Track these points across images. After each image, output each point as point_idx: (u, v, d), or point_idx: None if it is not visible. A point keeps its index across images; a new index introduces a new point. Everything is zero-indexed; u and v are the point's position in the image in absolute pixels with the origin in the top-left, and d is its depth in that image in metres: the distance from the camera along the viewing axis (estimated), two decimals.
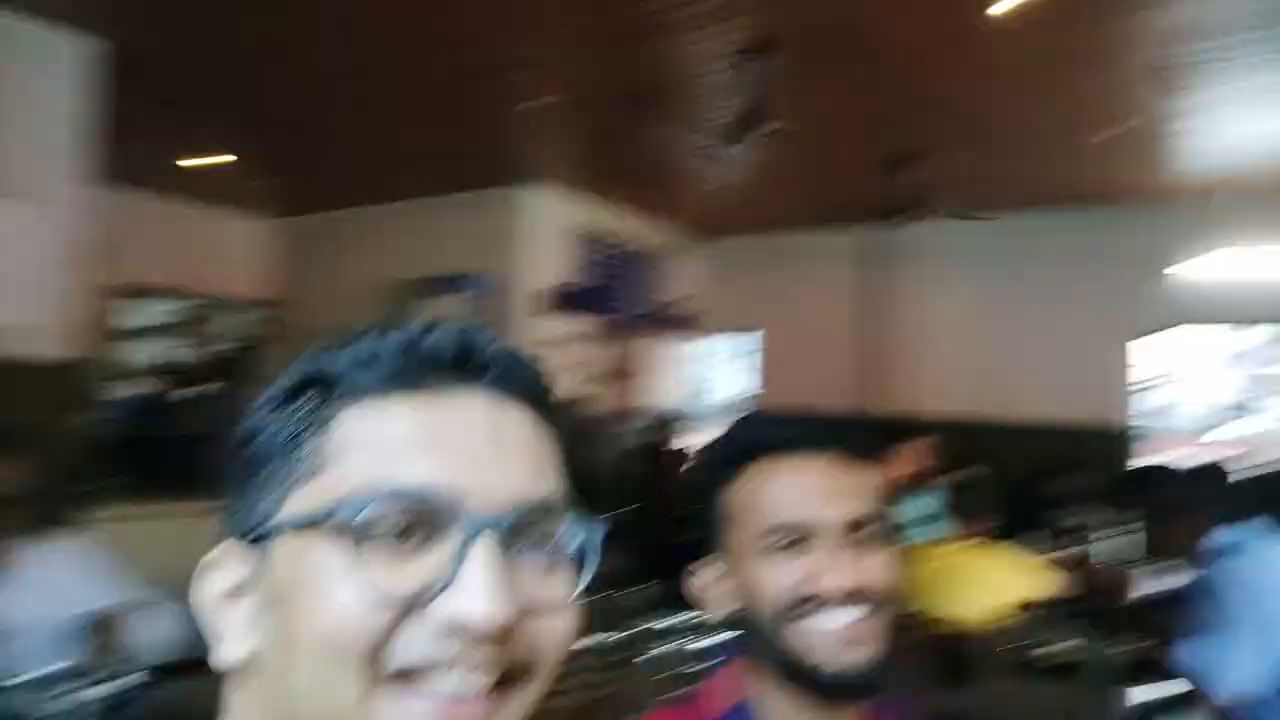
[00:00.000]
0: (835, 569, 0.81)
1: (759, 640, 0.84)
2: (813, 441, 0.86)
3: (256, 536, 0.50)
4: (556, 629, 0.51)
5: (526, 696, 0.50)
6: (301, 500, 0.49)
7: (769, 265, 7.09)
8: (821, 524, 0.82)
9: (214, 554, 0.52)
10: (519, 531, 0.49)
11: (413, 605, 0.46)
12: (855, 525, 0.83)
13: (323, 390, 0.51)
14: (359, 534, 0.46)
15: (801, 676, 0.82)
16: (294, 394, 0.51)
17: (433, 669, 0.46)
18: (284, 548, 0.49)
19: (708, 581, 0.89)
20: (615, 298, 6.46)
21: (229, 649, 0.50)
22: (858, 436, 0.89)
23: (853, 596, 0.81)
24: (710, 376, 7.87)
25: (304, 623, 0.46)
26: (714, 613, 0.88)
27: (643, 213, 6.71)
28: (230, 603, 0.51)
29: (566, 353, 6.06)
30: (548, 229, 6.22)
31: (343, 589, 0.46)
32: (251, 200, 6.82)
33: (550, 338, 5.98)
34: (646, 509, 4.71)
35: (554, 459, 0.54)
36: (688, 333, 7.18)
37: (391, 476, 0.47)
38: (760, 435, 0.88)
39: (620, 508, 4.53)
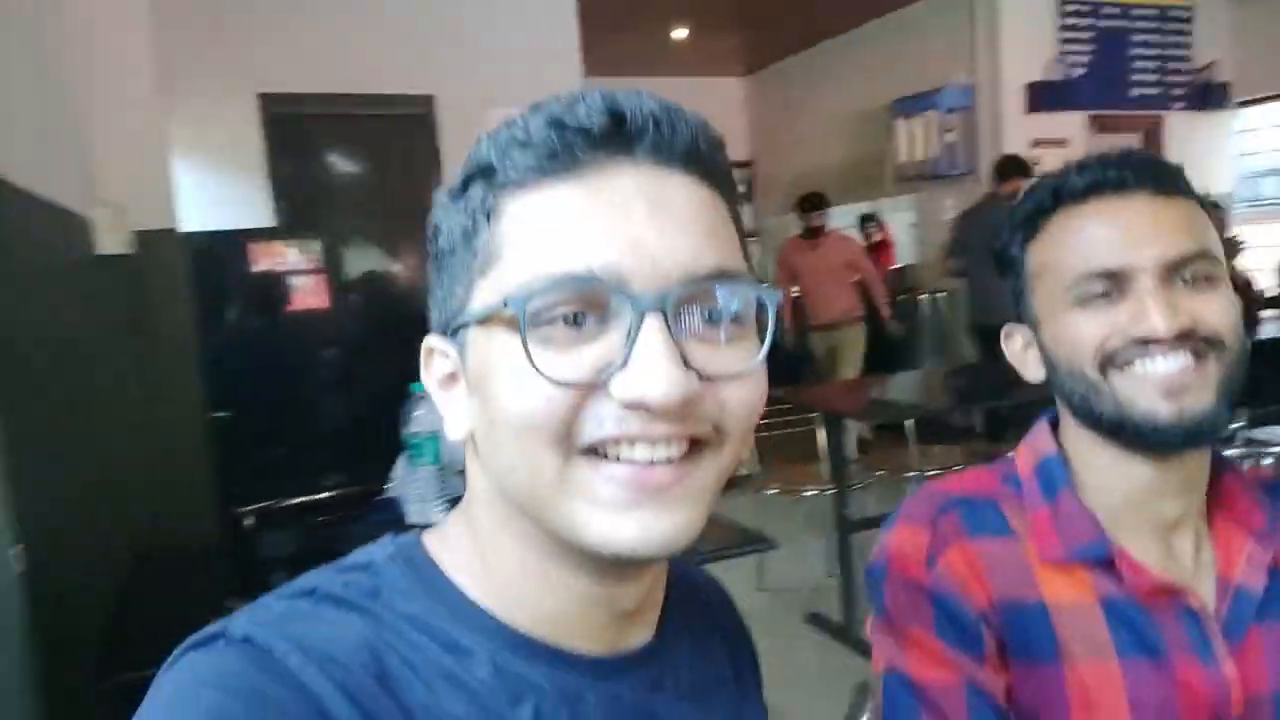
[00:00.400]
0: (1156, 312, 0.73)
1: (1075, 397, 0.80)
2: (1117, 182, 0.77)
3: (454, 328, 0.53)
4: (740, 396, 0.50)
5: (720, 461, 0.51)
6: (483, 292, 0.50)
7: None
8: (1137, 265, 0.75)
9: (427, 343, 0.56)
10: (690, 304, 0.49)
11: (592, 387, 0.47)
12: (1177, 264, 0.75)
13: (486, 180, 0.51)
14: (531, 323, 0.47)
15: (1124, 430, 0.76)
16: (464, 187, 0.52)
17: (621, 442, 0.48)
18: (473, 339, 0.51)
19: (1020, 344, 0.86)
20: (1117, 78, 5.56)
21: (453, 427, 0.55)
22: (1170, 170, 0.78)
23: (1179, 341, 0.73)
24: (1258, 155, 6.42)
25: (497, 409, 0.49)
26: (1030, 375, 0.85)
27: None
28: (448, 387, 0.55)
29: (1063, 154, 5.44)
30: (1025, 10, 5.52)
31: (523, 378, 0.47)
32: (722, 63, 7.19)
33: (1044, 139, 5.41)
34: None
35: (726, 224, 0.52)
36: (1220, 105, 5.92)
37: (553, 264, 0.47)
38: (1058, 183, 0.80)
39: None
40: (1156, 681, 0.75)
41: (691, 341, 0.48)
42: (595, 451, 0.48)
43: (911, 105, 6.03)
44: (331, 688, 0.48)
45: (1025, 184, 0.88)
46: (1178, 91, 5.73)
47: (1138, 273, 0.75)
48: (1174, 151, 5.97)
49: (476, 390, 0.52)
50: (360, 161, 4.57)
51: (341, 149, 4.51)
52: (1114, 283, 0.76)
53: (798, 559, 3.66)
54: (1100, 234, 0.77)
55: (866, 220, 6.99)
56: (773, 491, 4.61)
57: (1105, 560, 0.78)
